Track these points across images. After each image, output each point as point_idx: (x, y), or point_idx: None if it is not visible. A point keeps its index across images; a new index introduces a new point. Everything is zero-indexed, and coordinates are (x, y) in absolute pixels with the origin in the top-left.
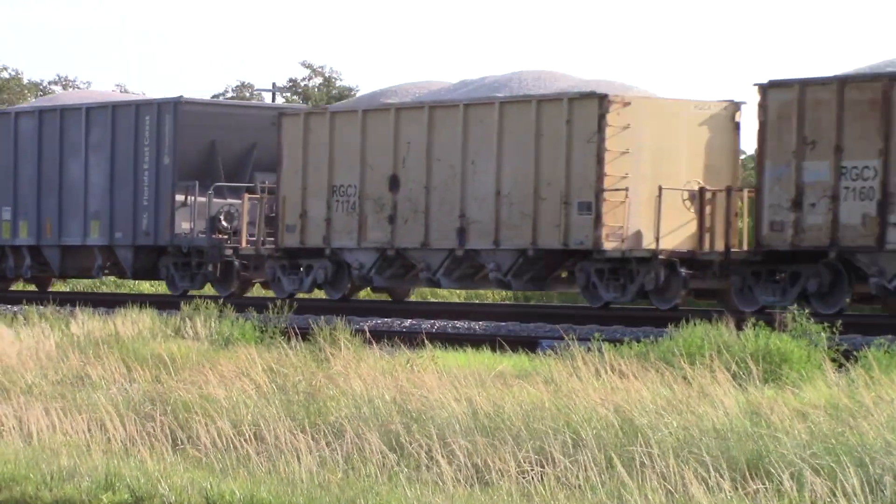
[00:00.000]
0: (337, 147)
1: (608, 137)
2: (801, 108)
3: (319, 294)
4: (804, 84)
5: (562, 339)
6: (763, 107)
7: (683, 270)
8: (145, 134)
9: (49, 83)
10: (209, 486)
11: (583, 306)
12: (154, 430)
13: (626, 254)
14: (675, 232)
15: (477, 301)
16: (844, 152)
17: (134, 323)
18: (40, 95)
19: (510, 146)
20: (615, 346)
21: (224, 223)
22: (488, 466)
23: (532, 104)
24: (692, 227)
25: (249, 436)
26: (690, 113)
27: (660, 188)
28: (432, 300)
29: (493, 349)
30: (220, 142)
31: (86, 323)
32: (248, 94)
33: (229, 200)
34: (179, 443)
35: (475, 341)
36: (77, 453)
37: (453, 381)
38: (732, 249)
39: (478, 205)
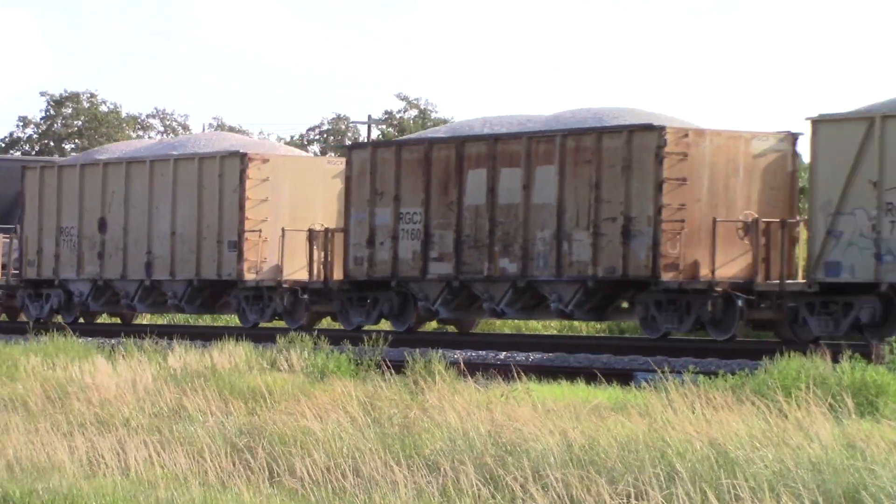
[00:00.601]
0: (64, 195)
1: (248, 188)
2: (373, 166)
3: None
4: (375, 146)
5: (657, 371)
6: (349, 164)
7: (306, 296)
8: None
9: (147, 116)
10: None
11: (678, 339)
12: (250, 463)
13: (260, 283)
14: (303, 266)
15: (572, 333)
16: (401, 201)
17: (230, 355)
18: (138, 129)
19: (182, 195)
20: (710, 378)
21: None
22: (583, 499)
23: (195, 161)
24: (316, 260)
25: (345, 468)
26: (325, 168)
27: (283, 230)
28: (526, 332)
29: (588, 382)
30: None
31: (183, 356)
32: (343, 127)
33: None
34: (276, 475)
35: (570, 374)
36: (175, 486)
37: (548, 414)
38: (333, 279)
39: (160, 243)
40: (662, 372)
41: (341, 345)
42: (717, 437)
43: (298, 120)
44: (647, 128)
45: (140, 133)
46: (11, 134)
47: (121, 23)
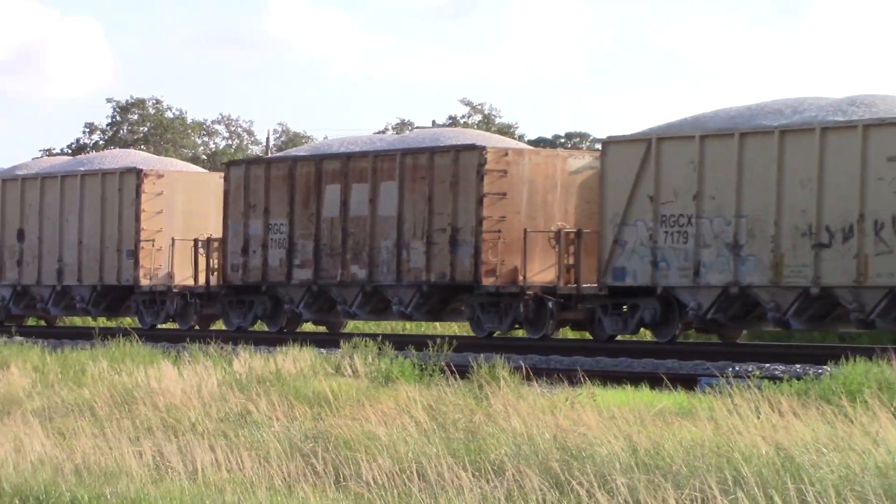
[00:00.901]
0: None
1: (144, 202)
2: (247, 182)
3: (465, 331)
4: (248, 163)
5: (722, 376)
6: (227, 179)
7: (195, 300)
8: None
9: (212, 122)
10: None
11: (742, 343)
12: (316, 467)
13: (154, 288)
14: (191, 272)
15: (635, 339)
16: (270, 213)
17: (295, 360)
18: (203, 135)
19: (88, 208)
20: (774, 383)
21: None
22: None
23: (99, 176)
24: (201, 267)
25: (410, 473)
26: (217, 182)
27: (172, 239)
28: (590, 338)
29: (653, 387)
30: None
31: (248, 361)
32: (407, 132)
33: None
34: (342, 480)
35: (634, 379)
36: (241, 490)
37: (613, 419)
38: (215, 284)
39: (69, 251)
40: (726, 377)
41: (405, 350)
42: (783, 441)
43: (363, 125)
44: (471, 147)
45: (205, 139)
46: (78, 140)
47: (186, 29)
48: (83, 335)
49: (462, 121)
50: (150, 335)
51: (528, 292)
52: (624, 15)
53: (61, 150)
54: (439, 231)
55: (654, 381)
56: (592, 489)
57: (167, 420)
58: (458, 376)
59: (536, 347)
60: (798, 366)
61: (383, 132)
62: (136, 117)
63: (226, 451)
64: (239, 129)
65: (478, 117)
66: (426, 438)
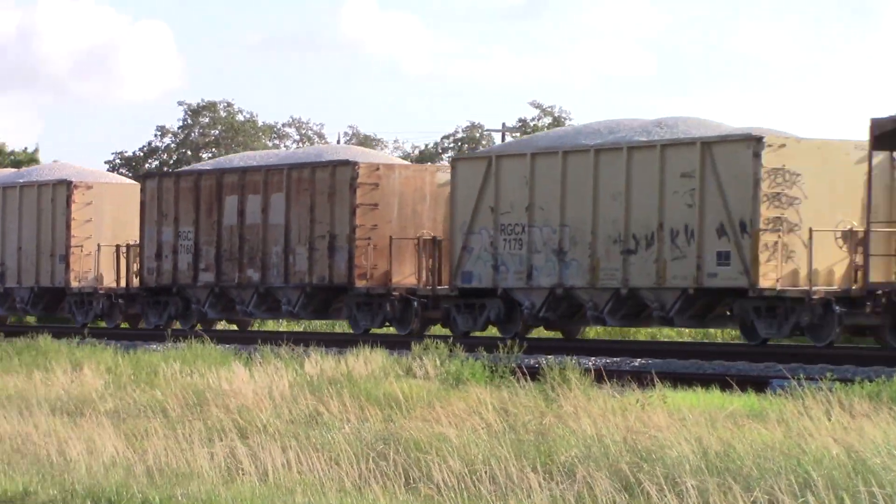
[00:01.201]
0: None
1: (74, 211)
2: (160, 192)
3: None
4: (161, 176)
5: (793, 378)
6: (143, 191)
7: (119, 301)
8: None
9: (283, 125)
10: None
11: (813, 346)
12: (386, 469)
13: (83, 290)
14: (116, 274)
15: (706, 340)
16: (179, 222)
17: (366, 362)
18: (274, 138)
19: (26, 216)
20: (846, 385)
21: None
22: None
23: (35, 187)
24: (122, 271)
25: (481, 475)
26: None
27: (98, 245)
28: (661, 339)
29: (723, 389)
30: None
31: (319, 362)
32: (477, 135)
33: None
34: (412, 481)
35: (704, 381)
36: (311, 492)
37: (683, 422)
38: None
39: (10, 256)
40: (798, 379)
41: (476, 352)
42: (854, 444)
43: (433, 128)
44: (345, 163)
45: (276, 142)
46: (150, 143)
47: (257, 32)
48: (155, 336)
49: (532, 123)
50: (223, 336)
51: (395, 293)
52: (695, 17)
53: (133, 152)
54: (320, 238)
55: (725, 384)
56: (662, 491)
57: (238, 421)
58: (528, 378)
59: (607, 350)
60: (870, 368)
61: (453, 135)
62: (207, 120)
63: (297, 452)
64: (310, 132)
65: (548, 119)
66: (496, 440)
